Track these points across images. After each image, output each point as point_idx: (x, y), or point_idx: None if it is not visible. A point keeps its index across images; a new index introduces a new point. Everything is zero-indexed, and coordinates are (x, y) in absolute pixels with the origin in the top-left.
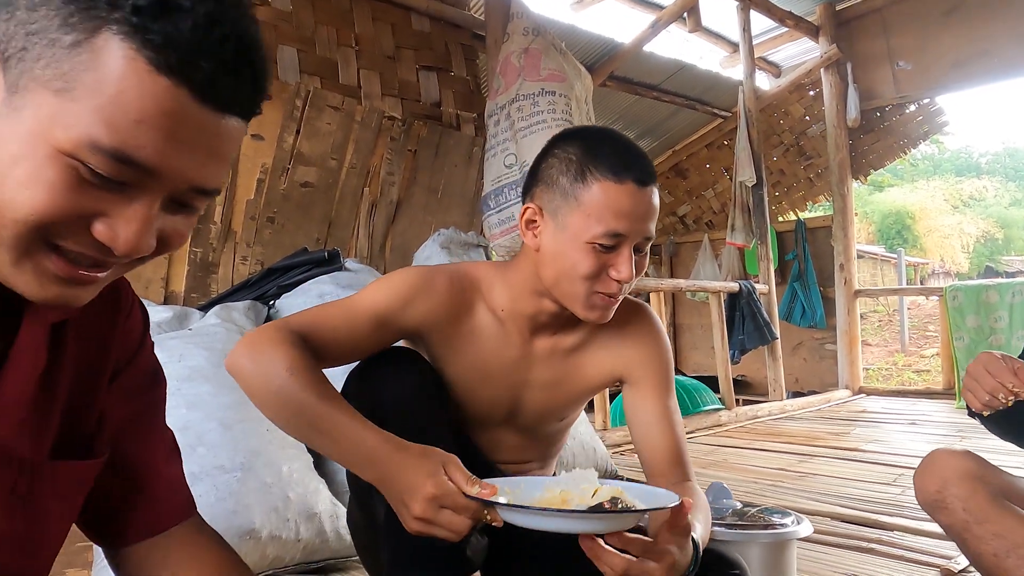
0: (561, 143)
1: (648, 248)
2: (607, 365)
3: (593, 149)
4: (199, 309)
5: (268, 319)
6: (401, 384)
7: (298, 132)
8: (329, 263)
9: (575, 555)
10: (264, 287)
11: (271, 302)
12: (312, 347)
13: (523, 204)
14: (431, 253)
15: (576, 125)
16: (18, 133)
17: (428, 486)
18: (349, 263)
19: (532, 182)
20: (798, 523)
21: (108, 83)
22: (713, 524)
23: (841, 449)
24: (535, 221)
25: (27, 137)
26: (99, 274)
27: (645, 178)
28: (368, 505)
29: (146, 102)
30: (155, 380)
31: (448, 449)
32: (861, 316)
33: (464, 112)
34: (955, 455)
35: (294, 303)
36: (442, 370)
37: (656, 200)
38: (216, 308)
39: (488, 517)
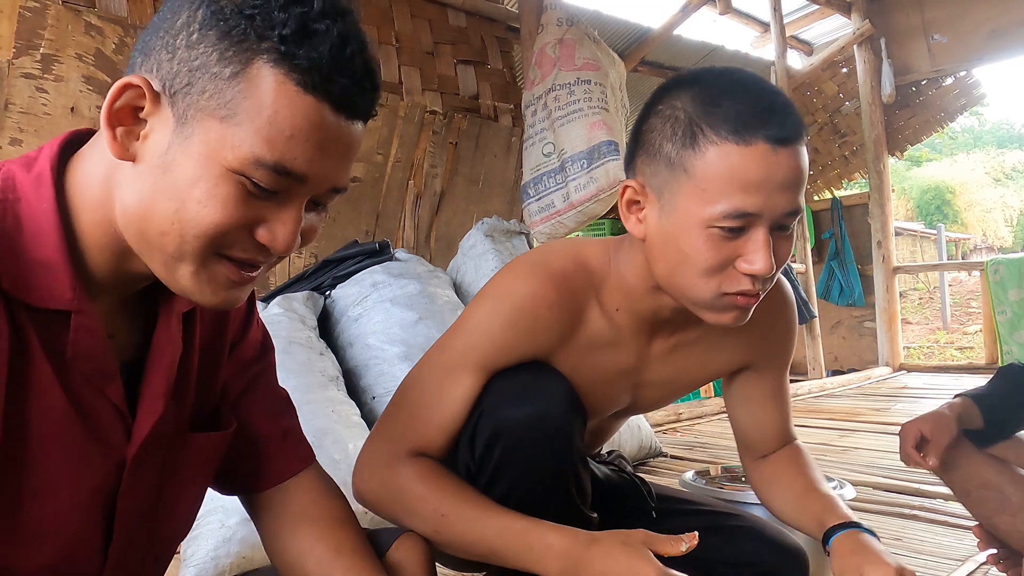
0: (669, 93)
1: (794, 225)
2: (735, 356)
3: (709, 99)
4: (261, 301)
5: (324, 308)
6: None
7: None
8: (380, 254)
9: None
10: (319, 278)
11: (327, 292)
12: (434, 449)
13: (624, 181)
14: (475, 242)
15: (613, 109)
16: (192, 157)
17: (651, 573)
18: (399, 253)
19: (633, 149)
20: (841, 487)
21: (265, 106)
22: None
23: (883, 424)
24: (638, 202)
25: (200, 160)
26: (254, 274)
27: (785, 133)
28: None
29: (297, 119)
30: (265, 349)
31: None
32: (901, 294)
33: (501, 104)
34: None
35: (349, 292)
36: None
37: (803, 161)
38: (278, 299)
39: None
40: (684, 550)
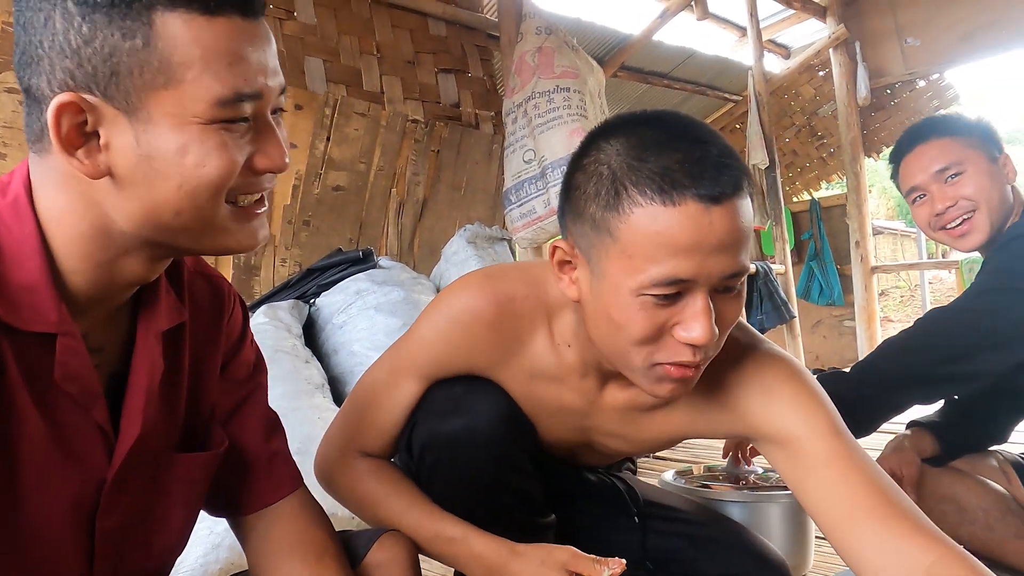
0: (595, 144)
1: (740, 286)
2: (683, 423)
3: (634, 153)
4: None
5: (309, 316)
6: (481, 410)
7: (328, 139)
8: (364, 262)
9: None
10: (304, 286)
11: (312, 300)
12: (379, 449)
13: (554, 241)
14: (458, 248)
15: (592, 116)
16: (163, 133)
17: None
18: (382, 261)
19: (563, 206)
20: None
21: (191, 51)
22: (734, 487)
23: None
24: (569, 262)
25: (172, 130)
26: (266, 206)
27: (719, 190)
28: None
29: (221, 44)
30: (257, 368)
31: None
32: (882, 293)
33: (482, 111)
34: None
35: (333, 300)
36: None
37: (743, 218)
38: (263, 308)
39: None
40: (615, 567)
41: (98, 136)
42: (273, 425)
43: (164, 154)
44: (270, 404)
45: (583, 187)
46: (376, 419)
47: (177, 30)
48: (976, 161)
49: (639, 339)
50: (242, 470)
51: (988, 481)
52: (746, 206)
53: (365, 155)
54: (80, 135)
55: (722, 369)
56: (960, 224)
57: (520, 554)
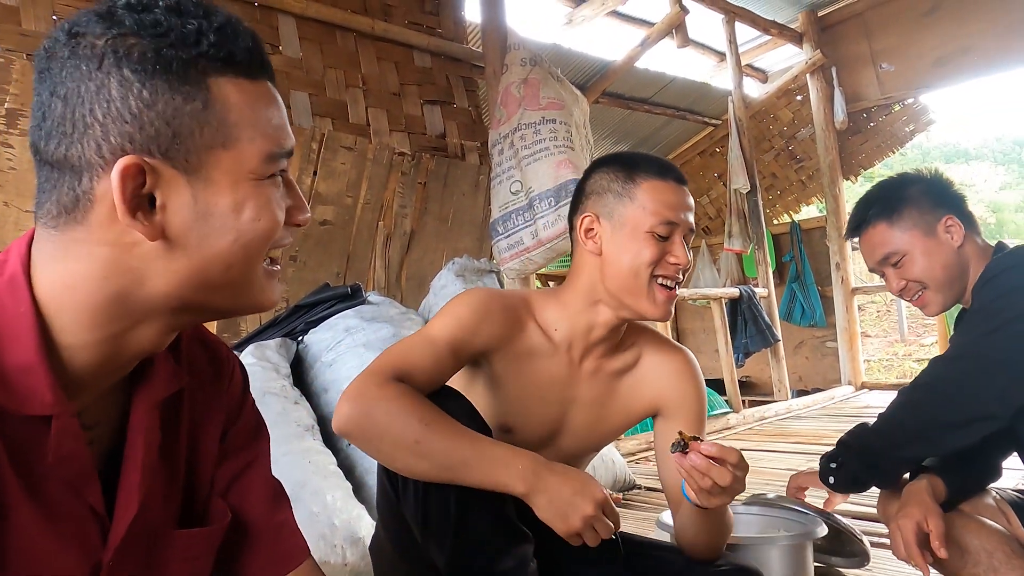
0: (599, 165)
1: (691, 241)
2: (648, 394)
3: (632, 160)
4: (233, 349)
5: (298, 354)
6: (453, 415)
7: (315, 173)
8: (352, 297)
9: (612, 574)
10: (292, 323)
11: (300, 338)
12: (412, 384)
13: (577, 217)
14: (447, 282)
15: (579, 147)
16: (223, 192)
17: (598, 491)
18: (371, 296)
19: (580, 199)
20: (814, 520)
21: (244, 112)
22: (740, 512)
23: None
24: (593, 228)
25: (232, 189)
26: (279, 267)
27: (681, 178)
28: (414, 551)
29: (262, 104)
30: (258, 434)
31: None
32: (859, 308)
33: (468, 142)
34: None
35: (321, 338)
36: (498, 392)
37: (691, 198)
38: (250, 347)
39: (619, 526)
40: (616, 496)
41: (153, 198)
42: (278, 493)
43: (222, 210)
44: None
45: (604, 179)
46: (413, 358)
47: (230, 93)
48: (913, 242)
49: (649, 261)
50: (247, 543)
51: (989, 522)
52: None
53: (352, 188)
54: (137, 198)
55: (667, 356)
56: (917, 298)
57: (553, 464)
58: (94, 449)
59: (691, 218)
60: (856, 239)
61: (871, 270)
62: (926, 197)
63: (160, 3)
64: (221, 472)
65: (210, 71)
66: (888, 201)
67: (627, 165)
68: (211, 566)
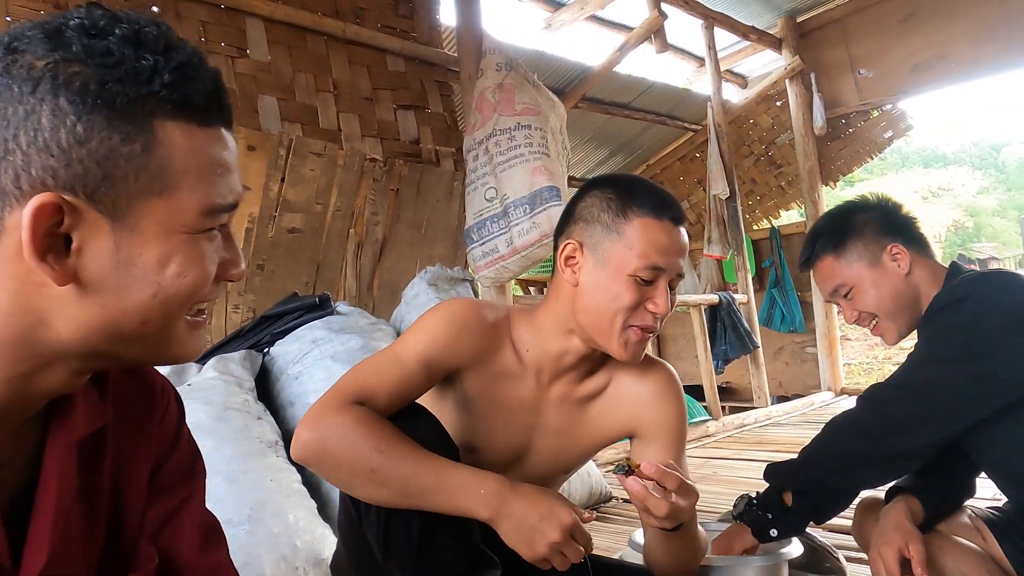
0: (596, 186)
1: (678, 286)
2: (621, 417)
3: (631, 190)
4: (196, 361)
5: (263, 367)
6: (417, 435)
7: (283, 180)
8: (320, 308)
9: None
10: (258, 335)
11: (265, 350)
12: (374, 407)
13: (561, 240)
14: (419, 291)
15: (554, 153)
16: (150, 242)
17: (566, 515)
18: (340, 306)
19: (568, 221)
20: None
21: (189, 161)
22: (713, 530)
23: None
24: (574, 257)
25: (160, 239)
26: (204, 317)
27: (679, 217)
28: (375, 572)
29: (212, 153)
30: (192, 471)
31: None
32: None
33: (443, 147)
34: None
35: (288, 349)
36: (467, 411)
37: (686, 239)
38: (212, 361)
39: (591, 549)
40: (586, 516)
41: (69, 239)
42: (212, 532)
43: (145, 262)
44: (220, 467)
45: (596, 205)
46: (379, 379)
47: (177, 138)
48: (859, 274)
49: (626, 306)
50: None
51: (965, 542)
52: (686, 233)
53: (321, 195)
54: (50, 237)
55: (645, 373)
56: (873, 328)
57: (523, 485)
58: (1, 492)
59: (682, 262)
60: (809, 271)
61: (827, 301)
62: (872, 226)
63: (117, 30)
64: (152, 512)
65: (158, 113)
66: (834, 233)
67: (623, 194)
68: None
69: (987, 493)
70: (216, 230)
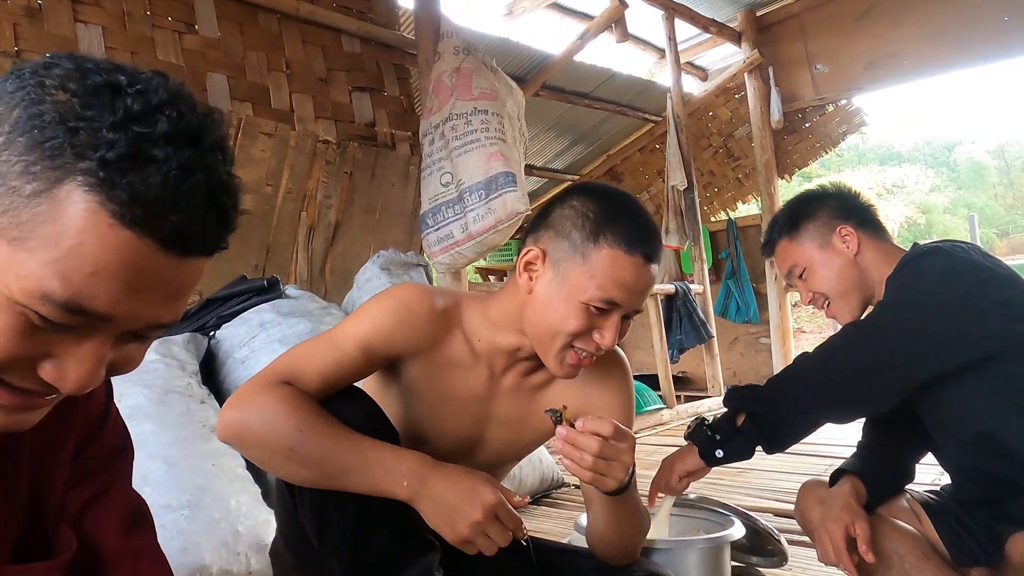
0: (580, 195)
1: (633, 318)
2: (572, 403)
3: (612, 212)
4: None
5: (208, 350)
6: (348, 417)
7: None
8: (269, 291)
9: None
10: (203, 318)
11: (211, 333)
12: (303, 388)
13: (525, 244)
14: (371, 275)
15: (511, 139)
16: None
17: (489, 495)
18: (289, 290)
19: (540, 225)
20: (732, 522)
21: (66, 236)
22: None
23: None
24: (534, 264)
25: None
26: (46, 399)
27: (653, 255)
28: (312, 557)
29: (106, 255)
30: (120, 453)
31: None
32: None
33: (399, 131)
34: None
35: (235, 333)
36: (413, 400)
37: (656, 276)
38: (155, 343)
39: (522, 532)
40: (516, 500)
41: None
42: (137, 516)
43: None
44: (159, 451)
45: (571, 218)
46: (311, 362)
47: (72, 208)
48: (811, 256)
49: (572, 332)
50: (102, 572)
51: (902, 524)
52: (657, 271)
53: (272, 177)
54: None
55: (596, 361)
56: (826, 309)
57: (444, 464)
58: None
59: (643, 300)
60: (771, 257)
61: (787, 285)
62: (825, 211)
63: (136, 101)
64: (73, 496)
65: (76, 176)
66: (790, 219)
67: (601, 215)
68: None
69: (926, 479)
70: (61, 327)
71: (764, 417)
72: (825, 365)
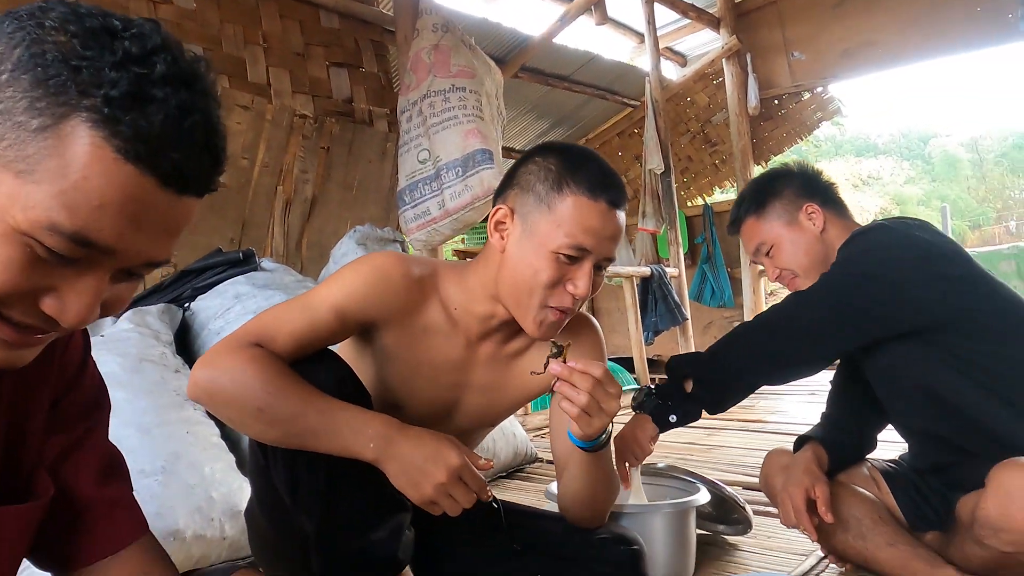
0: (542, 153)
1: (607, 268)
2: (545, 374)
3: (574, 163)
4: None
5: (183, 321)
6: (319, 379)
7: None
8: (244, 263)
9: (492, 544)
10: (178, 289)
11: (186, 304)
12: (275, 350)
13: (494, 205)
14: (348, 250)
15: (489, 117)
16: None
17: (454, 457)
18: (265, 263)
19: (507, 184)
20: (698, 489)
21: (73, 169)
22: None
23: (746, 421)
24: (504, 223)
25: None
26: (41, 337)
27: (618, 201)
28: (285, 517)
29: (110, 188)
30: (96, 404)
31: None
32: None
33: (376, 108)
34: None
35: (210, 304)
36: (388, 366)
37: (623, 223)
38: (129, 312)
39: (486, 495)
40: (482, 463)
41: None
42: (113, 466)
43: None
44: (132, 418)
45: (535, 173)
46: (283, 325)
47: (77, 143)
48: (778, 233)
49: (545, 283)
50: (74, 521)
51: (861, 490)
52: (624, 218)
53: (248, 150)
54: None
55: (569, 327)
56: (791, 285)
57: (411, 427)
58: None
59: (613, 247)
60: (737, 235)
61: (752, 262)
62: (790, 189)
63: (134, 43)
64: (51, 444)
65: (80, 112)
66: (756, 196)
67: (564, 167)
68: (27, 548)
69: (888, 452)
70: (64, 260)
71: (709, 381)
72: (766, 331)
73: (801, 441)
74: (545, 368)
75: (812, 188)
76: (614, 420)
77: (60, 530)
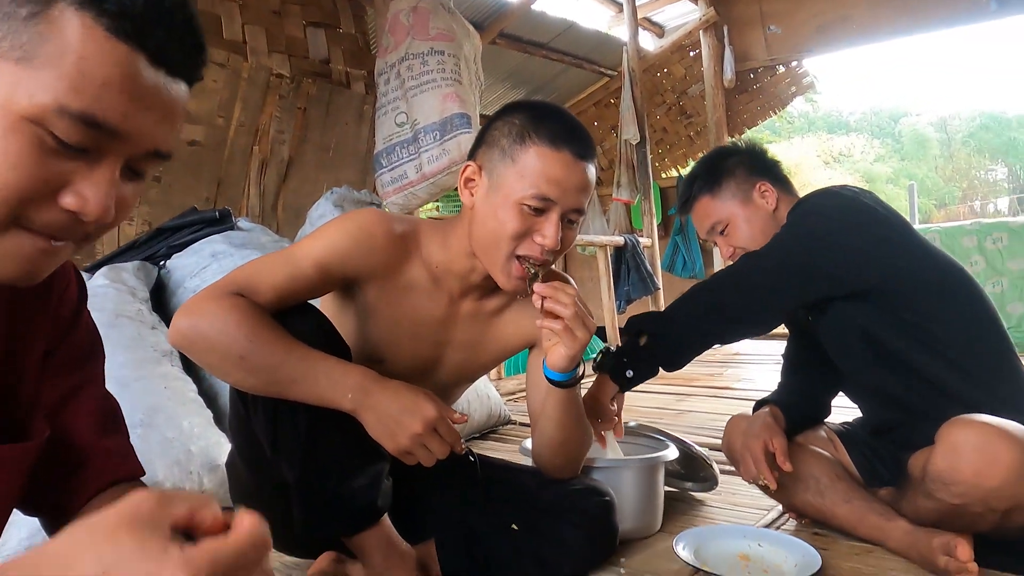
0: (508, 110)
1: (579, 222)
2: (524, 330)
3: (537, 117)
4: (85, 271)
5: (159, 279)
6: (300, 331)
7: None
8: (220, 222)
9: (469, 496)
10: (154, 247)
11: (161, 262)
12: (256, 300)
13: (467, 161)
14: (324, 211)
15: (467, 81)
16: None
17: (430, 409)
18: (241, 222)
19: (476, 144)
20: (667, 447)
21: (69, 51)
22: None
23: (715, 388)
24: (473, 180)
25: None
26: (62, 244)
27: (583, 152)
28: (266, 468)
29: (108, 66)
30: (91, 353)
31: None
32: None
33: (354, 70)
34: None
35: (186, 263)
36: (370, 322)
37: (591, 175)
38: (104, 269)
39: (460, 447)
40: (456, 416)
41: None
42: (111, 415)
43: None
44: (111, 372)
45: (500, 128)
46: (264, 277)
47: (68, 26)
48: (732, 211)
49: (511, 234)
50: (71, 468)
51: (818, 450)
52: (593, 171)
53: (224, 109)
54: None
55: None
56: None
57: (388, 379)
58: None
59: (581, 198)
60: (688, 215)
61: (704, 240)
62: (742, 168)
63: None
64: (47, 390)
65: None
66: (709, 175)
67: (528, 121)
68: (21, 489)
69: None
70: (74, 149)
71: (663, 338)
72: (718, 288)
73: (759, 405)
74: (530, 289)
75: (762, 166)
76: (582, 382)
77: (58, 478)
